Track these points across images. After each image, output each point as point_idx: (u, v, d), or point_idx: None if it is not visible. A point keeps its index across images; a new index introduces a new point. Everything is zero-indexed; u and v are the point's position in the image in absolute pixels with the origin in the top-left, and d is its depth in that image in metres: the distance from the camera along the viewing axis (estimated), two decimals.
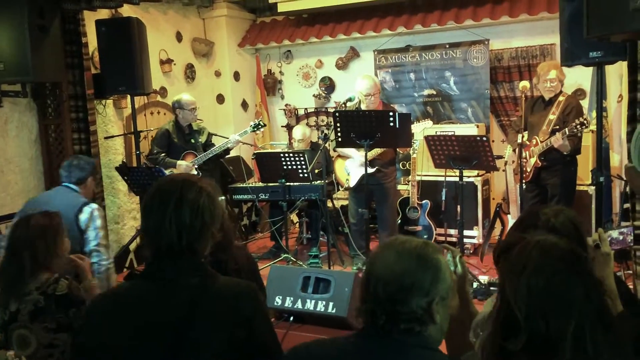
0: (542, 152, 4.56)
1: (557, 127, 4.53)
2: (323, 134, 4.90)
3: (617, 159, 5.28)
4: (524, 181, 4.66)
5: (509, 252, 1.37)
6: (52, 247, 2.40)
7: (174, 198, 1.54)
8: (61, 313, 2.25)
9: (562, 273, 1.26)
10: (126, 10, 5.38)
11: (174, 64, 6.33)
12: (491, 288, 4.10)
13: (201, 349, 1.46)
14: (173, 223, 1.51)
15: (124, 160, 5.53)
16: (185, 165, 5.12)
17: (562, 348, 1.21)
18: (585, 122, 4.22)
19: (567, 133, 4.33)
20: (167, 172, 5.12)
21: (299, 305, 3.85)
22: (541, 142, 4.56)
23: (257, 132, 5.64)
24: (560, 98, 4.63)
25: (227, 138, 5.28)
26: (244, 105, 7.22)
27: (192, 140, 5.27)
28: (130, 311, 1.51)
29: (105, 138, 5.32)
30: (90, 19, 4.94)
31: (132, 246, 5.45)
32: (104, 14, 5.23)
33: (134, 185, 5.00)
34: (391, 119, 4.31)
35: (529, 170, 4.68)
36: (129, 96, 5.24)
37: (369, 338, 1.36)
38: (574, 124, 4.29)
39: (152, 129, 5.60)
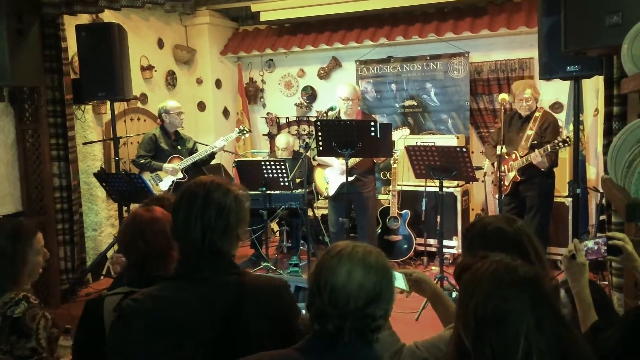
0: (521, 167, 4.63)
1: (536, 142, 4.61)
2: (304, 143, 4.92)
3: (594, 171, 5.37)
4: (502, 193, 4.72)
5: (466, 272, 1.35)
6: (18, 267, 2.24)
7: (201, 198, 1.59)
8: (13, 336, 2.12)
9: (511, 301, 1.22)
10: (107, 16, 5.33)
11: (155, 71, 6.29)
12: None
13: (248, 345, 1.49)
14: (198, 222, 1.57)
15: (103, 167, 5.47)
16: (172, 167, 5.12)
17: None
18: (567, 139, 4.31)
19: (549, 150, 4.41)
20: (152, 175, 5.10)
21: None
22: (521, 157, 4.64)
23: (243, 136, 5.67)
24: (537, 114, 4.72)
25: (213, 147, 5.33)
26: (225, 113, 7.19)
27: (179, 147, 5.32)
28: (171, 312, 1.54)
29: (84, 144, 5.26)
30: (70, 24, 4.89)
31: (110, 253, 5.37)
32: (84, 19, 5.18)
33: (113, 191, 4.94)
34: (372, 128, 4.33)
35: (507, 184, 4.74)
36: (108, 102, 5.19)
37: (313, 349, 1.36)
38: (556, 141, 4.37)
39: (131, 135, 5.57)
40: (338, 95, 4.98)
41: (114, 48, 4.79)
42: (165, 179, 5.12)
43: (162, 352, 1.52)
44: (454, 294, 4.44)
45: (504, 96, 4.79)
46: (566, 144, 4.32)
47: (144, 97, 6.17)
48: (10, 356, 2.14)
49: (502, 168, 4.71)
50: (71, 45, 4.91)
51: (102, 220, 5.57)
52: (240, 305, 1.54)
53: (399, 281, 1.90)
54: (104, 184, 4.97)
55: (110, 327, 1.64)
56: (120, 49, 4.84)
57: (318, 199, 5.72)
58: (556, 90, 5.58)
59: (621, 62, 2.16)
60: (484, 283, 1.27)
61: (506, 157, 4.72)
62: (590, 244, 1.86)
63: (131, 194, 4.75)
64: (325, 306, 1.34)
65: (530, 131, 4.68)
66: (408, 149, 4.60)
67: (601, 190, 4.45)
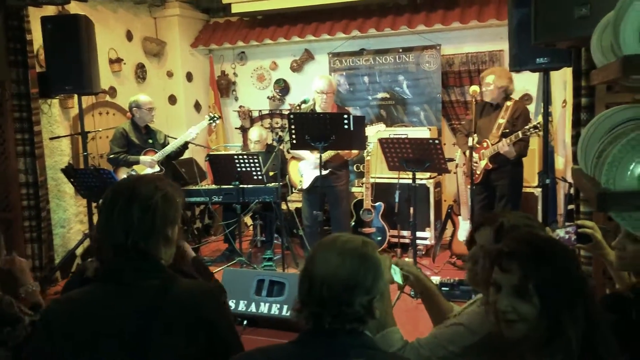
0: (492, 155, 4.70)
1: (507, 130, 4.67)
2: (278, 136, 4.90)
3: (562, 161, 5.47)
4: (474, 183, 4.77)
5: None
6: None
7: (125, 195, 1.50)
8: (6, 328, 2.08)
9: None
10: (73, 8, 5.19)
11: (124, 64, 6.17)
12: (442, 288, 4.15)
13: (163, 353, 1.43)
14: (120, 220, 1.48)
15: (71, 162, 5.36)
16: (150, 159, 5.06)
17: None
18: (538, 125, 4.37)
19: (520, 136, 4.47)
20: (129, 170, 5.03)
21: (252, 308, 3.81)
22: (492, 145, 4.70)
23: (214, 123, 5.61)
24: (508, 103, 4.78)
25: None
26: (197, 106, 7.11)
27: (150, 140, 5.27)
28: (89, 317, 1.45)
29: (51, 139, 5.13)
30: (35, 16, 4.76)
31: (79, 251, 5.27)
32: (50, 10, 5.04)
33: (81, 187, 4.85)
34: (346, 121, 4.33)
35: (479, 172, 4.80)
36: (76, 96, 5.08)
37: (312, 343, 1.35)
38: (527, 127, 4.43)
39: (100, 129, 5.47)
40: (313, 88, 4.97)
41: (81, 40, 4.67)
42: (142, 173, 5.05)
43: (77, 357, 1.44)
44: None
45: (475, 88, 4.85)
46: (537, 130, 4.38)
47: (112, 91, 6.06)
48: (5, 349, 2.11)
49: (474, 157, 4.76)
50: (36, 37, 4.78)
51: (70, 217, 5.46)
52: (154, 314, 1.44)
53: (397, 276, 1.87)
54: (72, 180, 4.88)
55: (34, 327, 1.56)
56: (87, 41, 4.73)
57: (292, 192, 5.71)
58: (526, 82, 5.65)
59: (589, 54, 2.20)
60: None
61: (477, 145, 4.78)
62: (561, 233, 1.90)
63: (100, 189, 4.66)
64: (304, 295, 1.35)
65: (501, 120, 4.74)
66: (381, 141, 4.62)
67: (569, 180, 4.53)
